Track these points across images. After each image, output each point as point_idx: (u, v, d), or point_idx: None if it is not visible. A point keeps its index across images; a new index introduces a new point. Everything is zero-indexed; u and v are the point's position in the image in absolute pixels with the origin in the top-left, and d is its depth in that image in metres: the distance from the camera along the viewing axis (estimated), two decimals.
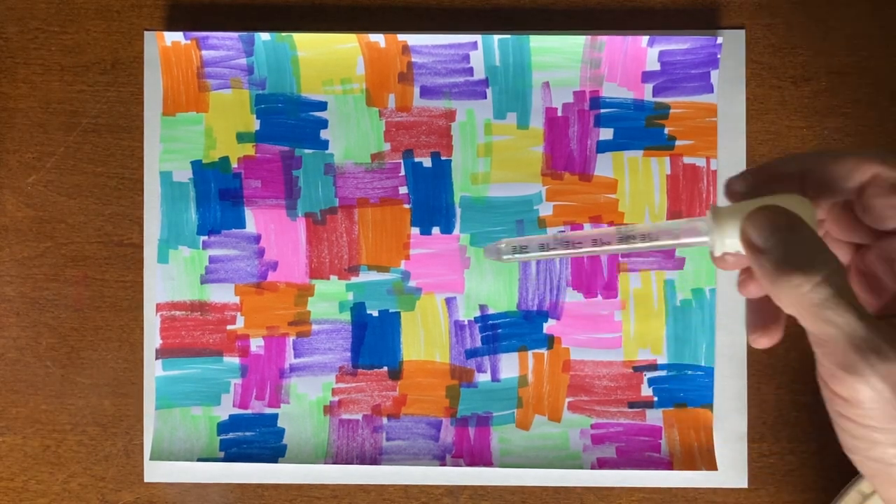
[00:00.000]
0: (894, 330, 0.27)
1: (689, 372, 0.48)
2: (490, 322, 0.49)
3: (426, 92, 0.49)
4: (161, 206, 0.49)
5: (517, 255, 0.32)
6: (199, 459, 0.48)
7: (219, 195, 0.49)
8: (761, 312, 0.33)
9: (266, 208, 0.49)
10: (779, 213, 0.29)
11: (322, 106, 0.49)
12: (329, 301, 0.49)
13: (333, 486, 0.49)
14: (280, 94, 0.49)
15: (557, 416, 0.48)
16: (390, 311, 0.49)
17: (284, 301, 0.49)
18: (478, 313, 0.49)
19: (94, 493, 0.49)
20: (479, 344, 0.49)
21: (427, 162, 0.49)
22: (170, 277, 0.49)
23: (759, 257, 0.28)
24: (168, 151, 0.49)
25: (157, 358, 0.49)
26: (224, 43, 0.49)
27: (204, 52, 0.49)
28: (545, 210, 0.49)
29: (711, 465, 0.48)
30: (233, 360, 0.49)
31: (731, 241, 0.30)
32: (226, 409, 0.49)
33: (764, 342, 0.33)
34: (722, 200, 0.38)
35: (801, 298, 0.27)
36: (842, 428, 0.29)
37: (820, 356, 0.28)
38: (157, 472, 0.49)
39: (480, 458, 0.48)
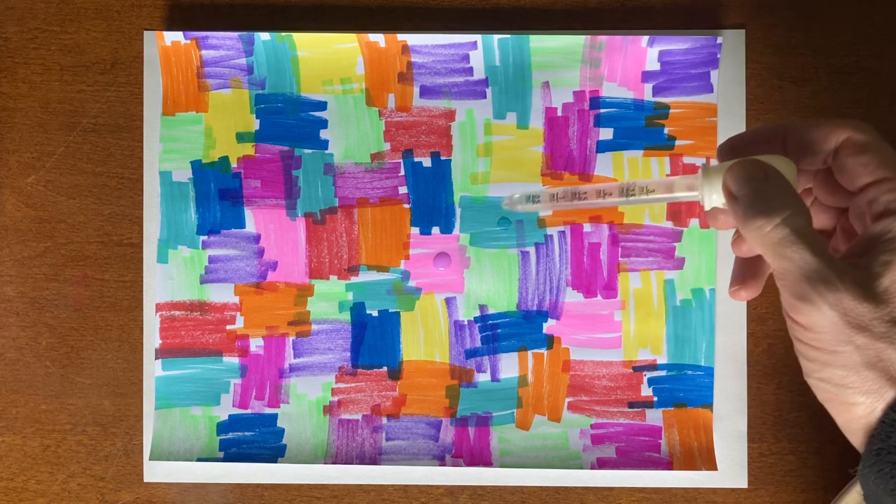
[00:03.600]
0: (849, 267, 0.30)
1: (689, 372, 0.48)
2: (490, 322, 0.49)
3: (426, 92, 0.49)
4: (161, 205, 0.49)
5: (530, 205, 0.37)
6: (199, 459, 0.48)
7: (218, 195, 0.49)
8: (746, 269, 0.37)
9: (266, 208, 0.49)
10: (754, 164, 0.32)
11: (322, 106, 0.49)
12: (329, 301, 0.49)
13: (333, 486, 0.49)
14: (280, 93, 0.49)
15: (557, 416, 0.48)
16: (390, 310, 0.49)
17: (284, 301, 0.49)
18: (477, 313, 0.49)
19: (93, 493, 0.49)
20: (478, 344, 0.49)
21: (427, 162, 0.49)
22: (169, 277, 0.49)
23: (734, 204, 0.32)
24: (168, 151, 0.49)
25: (156, 358, 0.49)
26: (224, 43, 0.49)
27: (204, 52, 0.49)
28: (545, 210, 0.49)
29: (711, 465, 0.48)
30: (232, 360, 0.49)
31: (717, 196, 0.34)
32: (225, 409, 0.49)
33: (742, 295, 0.37)
34: None
35: (763, 238, 0.31)
36: (800, 353, 0.32)
37: (781, 289, 0.31)
38: (156, 472, 0.49)
39: (480, 458, 0.48)
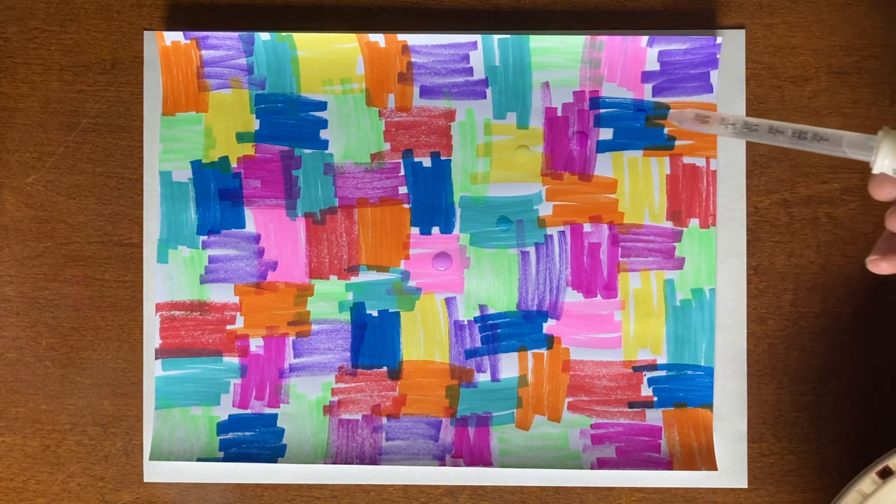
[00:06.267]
0: None
1: (689, 372, 0.48)
2: (490, 322, 0.49)
3: (426, 92, 0.49)
4: (161, 205, 0.49)
5: (696, 125, 0.36)
6: (199, 459, 0.48)
7: (218, 195, 0.49)
8: (893, 243, 0.36)
9: (266, 208, 0.49)
10: None
11: (322, 106, 0.49)
12: (329, 301, 0.49)
13: (333, 486, 0.49)
14: (280, 93, 0.49)
15: (557, 416, 0.48)
16: (390, 310, 0.49)
17: (284, 301, 0.49)
18: (477, 313, 0.49)
19: (93, 493, 0.49)
20: (478, 344, 0.49)
21: (427, 162, 0.49)
22: (169, 277, 0.49)
23: None
24: (168, 151, 0.49)
25: (156, 358, 0.49)
26: (224, 43, 0.49)
27: (204, 52, 0.49)
28: (545, 210, 0.49)
29: (711, 465, 0.48)
30: (232, 360, 0.49)
31: (889, 162, 0.32)
32: (225, 409, 0.49)
33: (882, 266, 0.36)
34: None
35: None
36: None
37: None
38: (156, 471, 0.49)
39: (480, 458, 0.48)
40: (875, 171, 0.33)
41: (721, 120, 0.36)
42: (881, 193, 0.35)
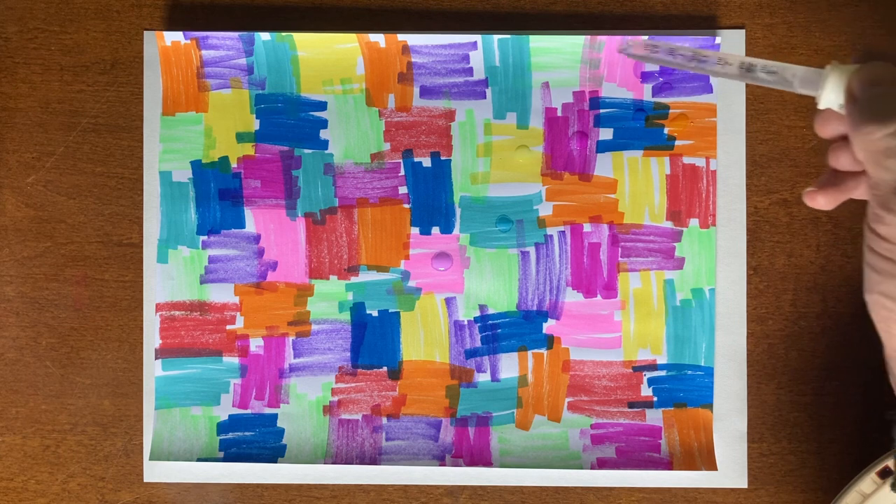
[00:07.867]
0: None
1: (689, 372, 0.48)
2: (490, 322, 0.49)
3: (426, 92, 0.49)
4: (161, 205, 0.49)
5: (646, 53, 0.36)
6: (199, 459, 0.48)
7: (218, 195, 0.49)
8: (832, 181, 0.36)
9: (266, 208, 0.49)
10: (888, 70, 0.31)
11: (322, 106, 0.49)
12: (329, 301, 0.49)
13: (333, 486, 0.49)
14: (280, 93, 0.49)
15: (557, 416, 0.48)
16: (390, 310, 0.49)
17: (284, 301, 0.49)
18: (477, 313, 0.49)
19: (93, 493, 0.49)
20: (478, 344, 0.49)
21: (427, 162, 0.49)
22: (169, 277, 0.49)
23: (851, 105, 0.32)
24: (168, 151, 0.49)
25: (156, 358, 0.49)
26: (224, 43, 0.49)
27: (204, 52, 0.49)
28: (545, 210, 0.49)
29: (711, 465, 0.48)
30: (232, 360, 0.49)
31: (835, 97, 0.32)
32: (225, 409, 0.49)
33: (818, 200, 0.36)
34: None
35: (870, 144, 0.31)
36: (869, 265, 0.32)
37: (871, 199, 0.31)
38: (156, 472, 0.49)
39: (480, 458, 0.48)
40: (821, 106, 0.33)
41: (670, 51, 0.35)
42: (826, 130, 0.35)
